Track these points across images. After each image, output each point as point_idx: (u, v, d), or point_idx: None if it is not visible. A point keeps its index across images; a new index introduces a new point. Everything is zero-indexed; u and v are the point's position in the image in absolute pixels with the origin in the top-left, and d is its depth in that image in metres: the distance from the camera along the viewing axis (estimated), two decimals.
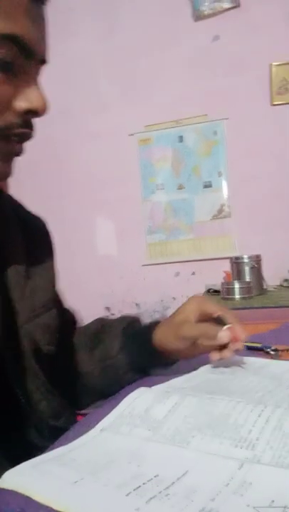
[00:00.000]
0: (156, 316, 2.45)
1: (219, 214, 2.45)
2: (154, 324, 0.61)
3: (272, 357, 0.64)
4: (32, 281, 0.55)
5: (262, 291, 1.92)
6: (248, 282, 1.82)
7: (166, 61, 2.46)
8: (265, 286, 1.98)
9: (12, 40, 0.40)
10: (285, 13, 2.27)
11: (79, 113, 2.58)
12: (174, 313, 0.59)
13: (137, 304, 2.54)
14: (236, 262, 1.96)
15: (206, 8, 2.33)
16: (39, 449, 0.38)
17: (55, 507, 0.28)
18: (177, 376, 0.55)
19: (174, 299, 2.56)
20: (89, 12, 2.54)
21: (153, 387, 0.50)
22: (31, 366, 0.53)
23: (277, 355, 0.64)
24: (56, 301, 0.62)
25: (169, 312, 0.64)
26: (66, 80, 2.53)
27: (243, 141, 2.39)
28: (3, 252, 0.53)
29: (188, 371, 0.57)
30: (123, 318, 0.67)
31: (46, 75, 0.49)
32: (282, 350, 0.65)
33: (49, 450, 0.38)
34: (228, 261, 2.16)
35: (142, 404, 0.44)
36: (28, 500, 0.29)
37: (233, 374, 0.53)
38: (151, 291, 2.55)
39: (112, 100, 2.54)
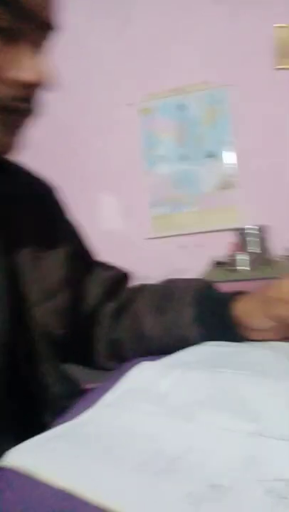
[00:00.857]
0: None
1: (224, 184, 2.41)
2: (235, 295, 0.55)
3: None
4: (42, 263, 0.53)
5: (267, 261, 1.91)
6: (254, 253, 1.81)
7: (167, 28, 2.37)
8: (270, 257, 1.96)
9: (3, 2, 0.36)
10: None
11: (78, 85, 2.51)
12: (266, 287, 0.52)
13: (141, 278, 2.54)
14: (241, 233, 1.94)
15: None
16: None
17: (61, 483, 0.27)
18: None
19: (179, 272, 2.56)
20: None
21: (157, 361, 0.50)
22: (43, 350, 0.52)
23: None
24: (70, 281, 0.57)
25: None
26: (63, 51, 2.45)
27: (247, 108, 2.32)
28: (13, 234, 0.51)
29: None
30: (196, 282, 0.60)
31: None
32: None
33: (53, 427, 0.37)
34: (233, 232, 2.13)
35: (145, 379, 0.44)
36: (30, 478, 0.29)
37: (238, 347, 0.52)
38: (156, 264, 2.54)
39: (111, 70, 2.47)
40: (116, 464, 0.29)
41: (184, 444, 0.31)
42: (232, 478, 0.26)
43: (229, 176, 2.40)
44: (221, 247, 2.31)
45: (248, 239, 1.91)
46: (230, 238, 2.20)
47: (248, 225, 1.96)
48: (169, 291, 0.60)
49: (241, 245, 1.95)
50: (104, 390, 0.44)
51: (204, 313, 0.55)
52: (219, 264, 2.04)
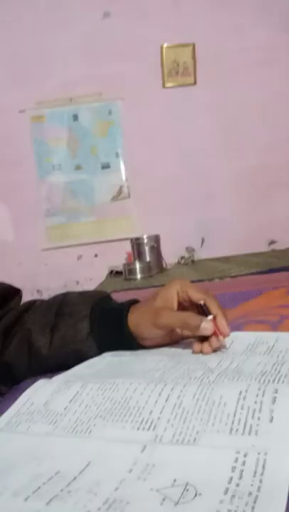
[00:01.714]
0: None
1: (119, 195, 2.46)
2: (129, 305, 0.55)
3: None
4: None
5: (161, 269, 1.98)
6: (148, 262, 1.87)
7: (58, 38, 2.35)
8: (164, 265, 2.05)
9: None
10: None
11: None
12: (152, 297, 0.54)
13: (38, 291, 2.46)
14: (137, 243, 2.00)
15: None
16: None
17: None
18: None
19: (77, 282, 2.53)
20: None
21: (53, 378, 0.48)
22: None
23: None
24: None
25: None
26: None
27: (138, 122, 2.40)
28: None
29: None
30: (91, 295, 0.59)
31: None
32: None
33: None
34: (129, 242, 2.18)
35: (41, 398, 0.42)
36: None
37: (133, 355, 0.53)
38: (53, 276, 2.48)
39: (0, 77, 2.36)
40: (7, 496, 0.27)
41: (81, 463, 0.30)
42: (130, 492, 0.26)
43: (123, 187, 2.45)
44: (118, 256, 2.34)
45: (142, 248, 1.97)
46: (127, 248, 2.25)
47: (143, 235, 2.02)
48: (61, 306, 0.58)
49: (136, 254, 2.00)
50: None
51: (99, 326, 0.55)
52: (116, 273, 2.07)
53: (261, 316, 0.71)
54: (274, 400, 0.32)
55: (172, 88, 2.40)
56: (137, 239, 2.01)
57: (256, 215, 2.48)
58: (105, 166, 2.43)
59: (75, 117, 2.39)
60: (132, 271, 1.79)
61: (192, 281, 0.58)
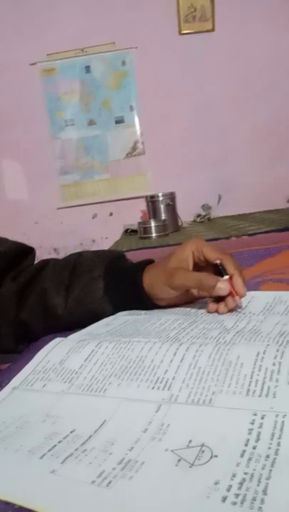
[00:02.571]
0: None
1: (133, 151, 2.40)
2: (144, 264, 0.55)
3: None
4: None
5: (177, 227, 1.96)
6: (164, 220, 1.84)
7: None
8: (180, 223, 2.02)
9: None
10: None
11: None
12: (167, 257, 0.53)
13: (55, 249, 2.48)
14: (151, 201, 1.96)
15: None
16: None
17: None
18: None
19: (93, 241, 2.53)
20: None
21: (69, 337, 0.48)
22: None
23: None
24: None
25: None
26: None
27: (153, 73, 2.30)
28: None
29: None
30: (105, 255, 0.59)
31: None
32: None
33: None
34: (144, 200, 2.15)
35: (56, 356, 0.42)
36: None
37: (148, 314, 0.53)
38: (69, 234, 2.49)
39: (8, 29, 2.26)
40: (22, 453, 0.27)
41: (96, 422, 0.30)
42: (144, 452, 0.26)
43: (138, 143, 2.39)
44: (134, 215, 2.32)
45: (157, 206, 1.94)
46: (142, 206, 2.22)
47: (158, 192, 1.98)
48: (76, 265, 0.58)
49: (152, 213, 1.97)
50: (14, 371, 0.42)
51: (114, 285, 0.55)
52: (131, 232, 2.05)
53: (279, 275, 0.69)
54: None
55: (189, 35, 2.26)
56: (152, 197, 1.97)
57: (274, 170, 2.40)
58: (119, 121, 2.36)
59: (88, 69, 2.29)
60: (147, 229, 1.77)
61: (208, 240, 0.56)
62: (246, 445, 0.25)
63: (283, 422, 0.26)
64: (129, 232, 2.08)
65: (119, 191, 2.44)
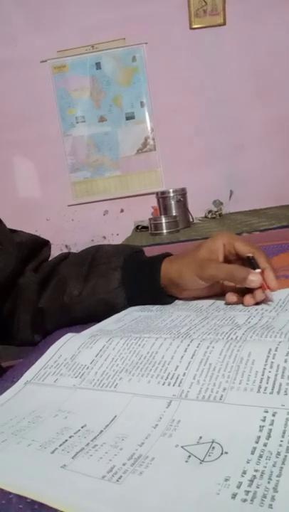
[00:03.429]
0: None
1: (144, 147, 2.39)
2: (162, 257, 0.55)
3: None
4: None
5: (188, 224, 1.95)
6: (175, 216, 1.83)
7: None
8: (191, 219, 2.01)
9: None
10: None
11: None
12: (196, 248, 0.52)
13: (66, 246, 2.49)
14: (162, 197, 1.96)
15: None
16: None
17: None
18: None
19: (104, 238, 2.54)
20: None
21: (81, 333, 0.48)
22: None
23: None
24: None
25: None
26: None
27: (163, 68, 2.29)
28: None
29: None
30: (124, 248, 0.60)
31: None
32: None
33: None
34: (155, 196, 2.15)
35: (68, 352, 0.42)
36: None
37: (160, 310, 0.53)
38: (80, 231, 2.50)
39: (19, 27, 2.27)
40: (34, 447, 0.28)
41: (106, 417, 0.31)
42: (155, 448, 0.26)
43: (148, 139, 2.38)
44: (144, 211, 2.32)
45: (168, 202, 1.93)
46: (153, 202, 2.22)
47: (169, 188, 1.98)
48: (95, 257, 0.59)
49: (163, 209, 1.96)
50: (26, 366, 0.42)
51: (131, 277, 0.55)
52: (142, 228, 2.05)
53: None
54: None
55: (200, 29, 2.24)
56: (163, 193, 1.97)
57: (287, 165, 2.37)
58: (130, 117, 2.35)
59: (98, 65, 2.29)
60: (157, 226, 1.77)
61: None
62: (257, 442, 0.24)
63: None
64: (140, 228, 2.08)
65: (130, 188, 2.44)
